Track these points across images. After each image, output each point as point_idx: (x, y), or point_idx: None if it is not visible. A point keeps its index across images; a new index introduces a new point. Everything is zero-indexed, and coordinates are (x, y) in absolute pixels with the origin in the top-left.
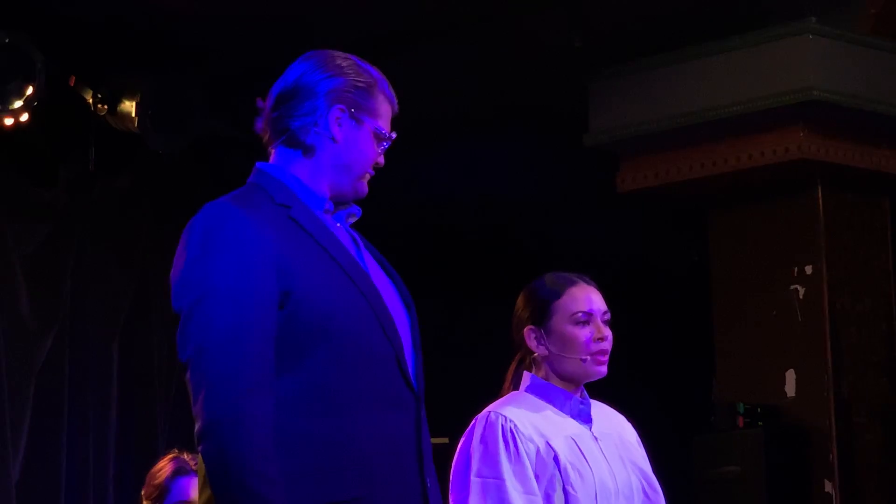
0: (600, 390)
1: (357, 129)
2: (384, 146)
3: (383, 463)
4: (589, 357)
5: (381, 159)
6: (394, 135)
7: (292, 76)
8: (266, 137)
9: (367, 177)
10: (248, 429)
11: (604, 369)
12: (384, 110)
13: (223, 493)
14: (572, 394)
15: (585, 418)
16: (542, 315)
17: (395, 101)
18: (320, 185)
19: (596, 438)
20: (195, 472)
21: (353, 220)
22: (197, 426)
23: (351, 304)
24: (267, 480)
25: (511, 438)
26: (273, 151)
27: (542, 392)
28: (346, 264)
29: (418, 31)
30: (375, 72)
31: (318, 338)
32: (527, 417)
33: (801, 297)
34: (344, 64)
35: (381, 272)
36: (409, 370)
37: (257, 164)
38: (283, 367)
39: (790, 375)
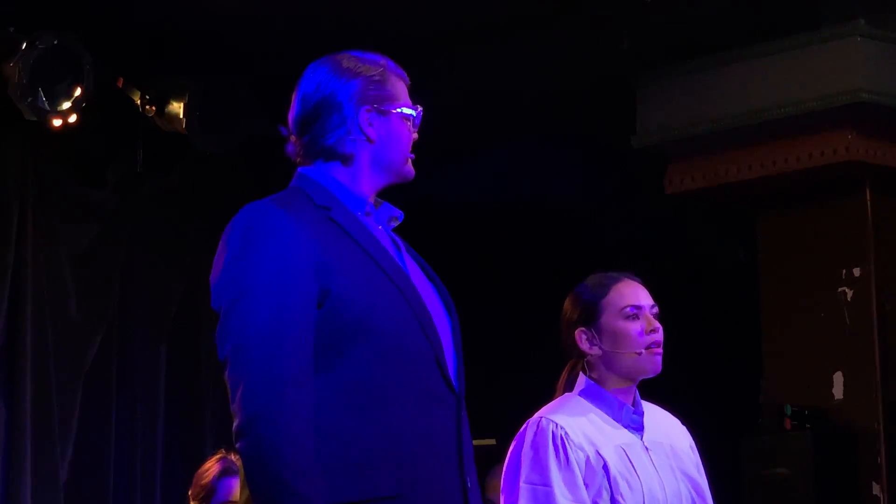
0: (648, 391)
1: (387, 121)
2: (416, 123)
3: (423, 461)
4: (644, 350)
5: (416, 135)
6: (419, 108)
7: (308, 97)
8: (299, 160)
9: (410, 161)
10: (286, 424)
11: (659, 362)
12: (401, 89)
13: (260, 488)
14: (625, 402)
15: (637, 427)
16: (591, 315)
17: (405, 73)
18: (361, 187)
19: (647, 448)
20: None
21: (395, 223)
22: (235, 423)
23: (389, 302)
24: (304, 475)
25: (561, 445)
26: (311, 163)
27: (595, 397)
28: (385, 264)
29: (463, 33)
30: (378, 56)
31: (356, 335)
32: (578, 425)
33: (849, 299)
34: (351, 64)
35: (422, 276)
36: (450, 370)
37: (299, 169)
38: (322, 364)
39: (838, 378)
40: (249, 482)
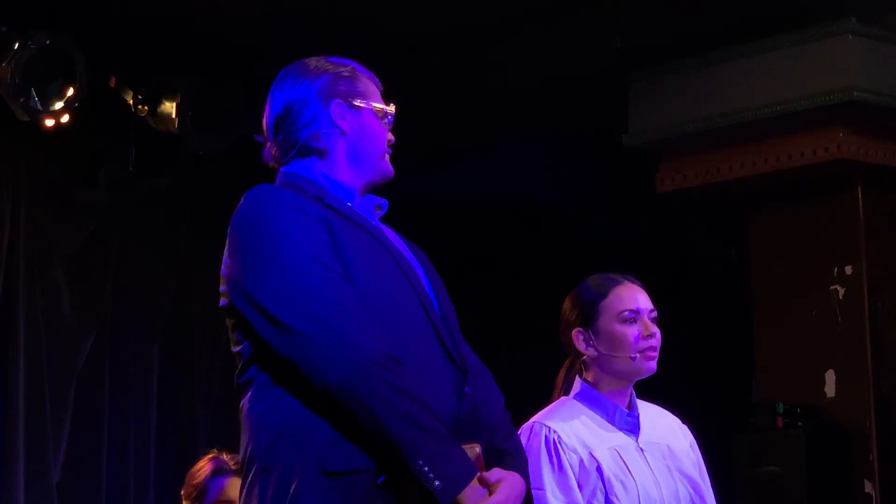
0: (641, 390)
1: (359, 116)
2: (389, 121)
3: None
4: (638, 355)
5: (391, 135)
6: (393, 107)
7: (278, 99)
8: (275, 163)
9: (387, 156)
10: (395, 373)
11: (654, 365)
12: (372, 90)
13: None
14: (619, 405)
15: (632, 429)
16: (589, 316)
17: (375, 77)
18: (345, 179)
19: (641, 449)
20: (234, 472)
21: (380, 213)
22: (333, 383)
23: (393, 279)
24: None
25: (554, 449)
26: (290, 163)
27: (590, 400)
28: (386, 243)
29: (455, 31)
30: (348, 60)
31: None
32: (571, 428)
33: (840, 297)
34: (319, 64)
35: (409, 251)
36: (448, 342)
37: (281, 169)
38: None
39: (830, 376)
40: (374, 420)
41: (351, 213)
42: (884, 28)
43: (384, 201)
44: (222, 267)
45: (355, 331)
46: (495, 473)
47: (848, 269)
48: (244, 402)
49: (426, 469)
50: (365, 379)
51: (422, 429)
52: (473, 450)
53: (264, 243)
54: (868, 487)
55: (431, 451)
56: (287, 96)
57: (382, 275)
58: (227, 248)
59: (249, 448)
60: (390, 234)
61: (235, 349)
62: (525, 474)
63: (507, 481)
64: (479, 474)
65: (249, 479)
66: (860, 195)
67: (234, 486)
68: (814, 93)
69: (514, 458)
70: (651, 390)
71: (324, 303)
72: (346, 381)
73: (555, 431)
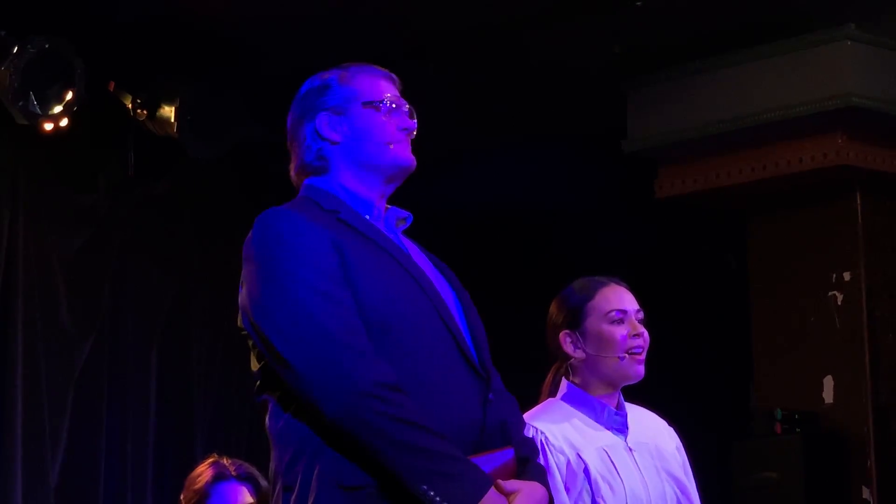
0: (638, 395)
1: (347, 118)
2: (386, 108)
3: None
4: (626, 355)
5: (405, 121)
6: (388, 93)
7: (287, 124)
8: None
9: (400, 144)
10: (388, 401)
11: (641, 370)
12: (365, 84)
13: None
14: (607, 404)
15: (620, 428)
16: (576, 318)
17: (379, 70)
18: (359, 190)
19: (630, 449)
20: (235, 477)
21: (403, 225)
22: (328, 414)
23: (408, 294)
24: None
25: (541, 450)
26: (307, 177)
27: (577, 401)
28: (399, 257)
29: (453, 36)
30: (346, 64)
31: (379, 329)
32: (558, 429)
33: (839, 303)
34: (311, 80)
35: (433, 268)
36: (472, 355)
37: (305, 181)
38: None
39: (828, 382)
40: (385, 450)
41: (365, 228)
42: (883, 34)
43: (408, 213)
44: (240, 287)
45: (348, 363)
46: (512, 484)
47: (846, 276)
48: (266, 421)
49: (431, 493)
50: (356, 412)
51: (422, 453)
52: (505, 455)
53: (268, 274)
54: (866, 494)
55: (434, 475)
56: (289, 121)
57: (394, 292)
58: (242, 272)
59: (273, 466)
60: (412, 247)
61: (253, 369)
62: (545, 482)
63: (523, 492)
64: (497, 482)
65: (274, 497)
66: (859, 201)
67: (235, 492)
68: (813, 99)
69: (533, 466)
70: (650, 395)
71: (318, 336)
72: (338, 415)
73: (542, 432)
